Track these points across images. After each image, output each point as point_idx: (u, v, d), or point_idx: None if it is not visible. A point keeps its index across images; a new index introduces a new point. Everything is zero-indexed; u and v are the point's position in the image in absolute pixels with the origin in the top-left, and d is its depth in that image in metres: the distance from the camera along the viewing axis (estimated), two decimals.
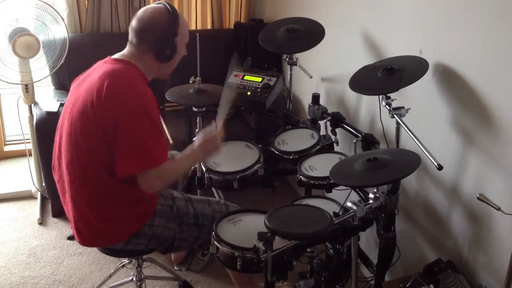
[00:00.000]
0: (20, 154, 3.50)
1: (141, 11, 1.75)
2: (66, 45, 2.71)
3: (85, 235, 1.81)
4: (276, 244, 1.47)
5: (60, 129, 1.79)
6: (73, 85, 1.84)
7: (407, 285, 1.75)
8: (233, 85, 2.19)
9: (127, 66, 1.73)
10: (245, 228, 1.78)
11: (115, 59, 1.76)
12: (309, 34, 2.40)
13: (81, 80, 1.81)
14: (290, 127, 2.45)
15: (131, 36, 1.76)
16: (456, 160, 1.79)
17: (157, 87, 2.00)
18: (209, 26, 3.51)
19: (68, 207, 1.81)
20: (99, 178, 1.70)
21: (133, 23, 1.74)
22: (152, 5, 1.78)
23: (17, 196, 3.12)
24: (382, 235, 1.82)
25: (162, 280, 2.39)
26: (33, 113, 2.82)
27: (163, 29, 1.71)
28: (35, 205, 3.01)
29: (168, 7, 1.74)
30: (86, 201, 1.74)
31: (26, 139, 2.99)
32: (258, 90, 2.51)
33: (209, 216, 1.94)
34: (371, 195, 1.70)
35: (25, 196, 3.12)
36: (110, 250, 1.91)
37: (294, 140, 2.26)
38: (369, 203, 1.69)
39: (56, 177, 1.84)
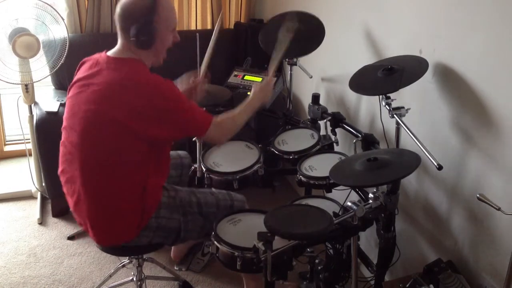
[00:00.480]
0: (20, 154, 3.50)
1: None
2: (66, 45, 2.71)
3: (98, 234, 1.82)
4: (276, 244, 1.47)
5: (69, 133, 1.78)
6: (73, 89, 1.82)
7: (407, 285, 1.74)
8: (290, 26, 2.16)
9: (134, 63, 1.75)
10: (245, 228, 1.78)
11: (120, 59, 1.76)
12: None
13: (82, 82, 1.78)
14: (290, 127, 2.45)
15: (117, 24, 1.77)
16: (456, 160, 1.79)
17: None
18: (209, 26, 3.51)
19: (79, 206, 1.81)
20: (114, 175, 1.73)
21: (117, 9, 1.75)
22: None
23: (17, 196, 3.12)
24: (382, 235, 1.81)
25: (162, 280, 2.39)
26: (33, 113, 2.82)
27: (139, 15, 1.71)
28: (35, 205, 3.01)
29: None
30: (98, 199, 1.75)
31: (26, 139, 2.99)
32: None
33: (214, 203, 1.94)
34: (371, 195, 1.71)
35: (25, 196, 3.12)
36: (112, 248, 1.91)
37: (294, 140, 2.26)
38: (369, 203, 1.69)
39: (64, 179, 1.84)
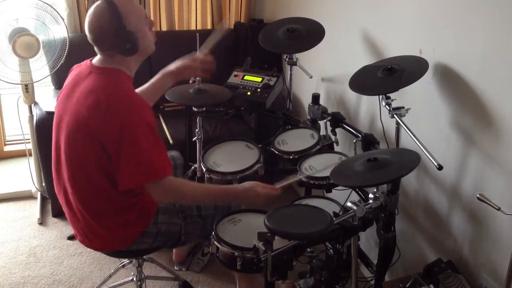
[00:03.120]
0: (20, 154, 3.49)
1: (86, 20, 1.64)
2: (66, 45, 2.71)
3: (94, 242, 1.82)
4: (276, 244, 1.47)
5: (56, 143, 1.77)
6: (60, 96, 1.79)
7: (407, 285, 1.74)
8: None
9: (115, 75, 1.69)
10: (245, 228, 1.78)
11: (101, 68, 1.69)
12: (309, 34, 2.40)
13: (67, 90, 1.75)
14: (290, 127, 2.45)
15: (95, 47, 1.69)
16: (456, 160, 1.79)
17: None
18: (209, 26, 3.51)
19: (74, 217, 1.80)
20: (103, 189, 1.69)
21: (87, 33, 1.66)
22: (92, 8, 1.64)
23: (17, 196, 3.12)
24: (382, 235, 1.81)
25: (162, 280, 2.39)
26: (33, 113, 2.82)
27: (111, 30, 1.61)
28: (35, 205, 3.01)
29: (104, 1, 1.62)
30: (91, 212, 1.74)
31: (26, 139, 2.99)
32: (258, 90, 2.51)
33: (212, 205, 1.93)
34: (371, 195, 1.70)
35: (25, 196, 3.12)
36: (113, 251, 1.91)
37: (294, 140, 2.26)
38: (369, 203, 1.69)
39: (56, 189, 1.83)
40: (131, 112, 1.61)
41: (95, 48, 1.70)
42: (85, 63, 1.76)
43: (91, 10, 1.64)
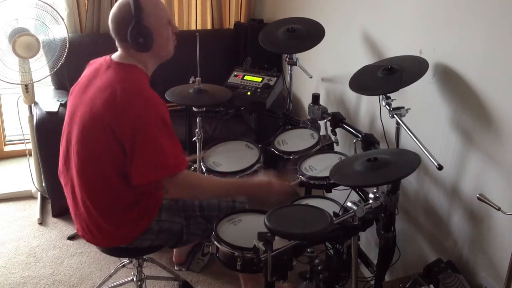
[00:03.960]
0: (20, 154, 3.50)
1: (111, 11, 1.71)
2: (66, 45, 2.71)
3: (96, 237, 1.82)
4: (276, 244, 1.47)
5: (67, 135, 1.77)
6: (75, 89, 1.80)
7: (407, 285, 1.75)
8: None
9: (133, 71, 1.71)
10: (245, 228, 1.78)
11: (119, 64, 1.72)
12: (309, 34, 2.40)
13: (83, 84, 1.77)
14: (290, 127, 2.45)
15: (114, 38, 1.73)
16: (456, 160, 1.79)
17: (156, 88, 1.99)
18: (209, 26, 3.51)
19: (78, 211, 1.80)
20: (111, 184, 1.70)
21: (109, 25, 1.72)
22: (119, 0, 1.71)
23: (17, 196, 3.12)
24: (382, 235, 1.81)
25: (162, 280, 2.39)
26: (33, 113, 2.82)
27: (128, 20, 1.66)
28: (35, 205, 3.01)
29: None
30: (96, 206, 1.74)
31: (26, 139, 2.99)
32: (258, 90, 2.51)
33: (216, 206, 1.93)
34: (371, 195, 1.70)
35: (25, 196, 3.12)
36: (112, 250, 1.90)
37: (294, 140, 2.26)
38: (369, 203, 1.69)
39: (63, 182, 1.84)
40: (146, 108, 1.63)
41: (116, 40, 1.73)
42: (104, 58, 1.79)
43: (117, 2, 1.70)
